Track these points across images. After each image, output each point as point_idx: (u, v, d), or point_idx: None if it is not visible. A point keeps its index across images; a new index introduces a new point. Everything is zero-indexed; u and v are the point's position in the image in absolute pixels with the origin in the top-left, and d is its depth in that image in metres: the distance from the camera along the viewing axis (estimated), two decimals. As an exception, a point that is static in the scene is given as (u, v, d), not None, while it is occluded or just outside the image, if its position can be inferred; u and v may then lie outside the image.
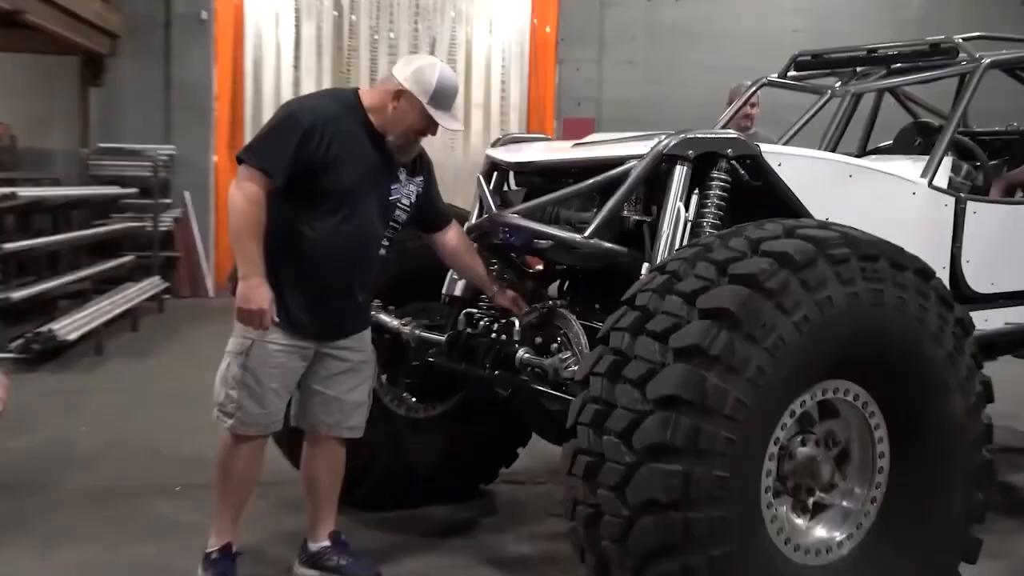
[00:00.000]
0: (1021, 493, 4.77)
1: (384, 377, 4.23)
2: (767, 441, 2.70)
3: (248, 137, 11.18)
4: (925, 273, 2.91)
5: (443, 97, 3.30)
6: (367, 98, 3.38)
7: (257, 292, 3.15)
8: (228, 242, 11.24)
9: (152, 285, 9.34)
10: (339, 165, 3.23)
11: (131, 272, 9.63)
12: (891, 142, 5.35)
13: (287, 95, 11.28)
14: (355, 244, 3.33)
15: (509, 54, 11.60)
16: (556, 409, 3.42)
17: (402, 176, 3.46)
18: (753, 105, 5.79)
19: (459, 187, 10.94)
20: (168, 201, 10.53)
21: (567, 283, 4.05)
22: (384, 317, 4.06)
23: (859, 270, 2.74)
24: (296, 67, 11.34)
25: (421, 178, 3.54)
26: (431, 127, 3.35)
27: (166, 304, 9.76)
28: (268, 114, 11.06)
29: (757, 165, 3.41)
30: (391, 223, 3.46)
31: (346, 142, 3.25)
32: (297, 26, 11.34)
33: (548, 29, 11.50)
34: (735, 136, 3.44)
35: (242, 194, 3.16)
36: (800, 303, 2.63)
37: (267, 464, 4.56)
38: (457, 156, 11.47)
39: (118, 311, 8.00)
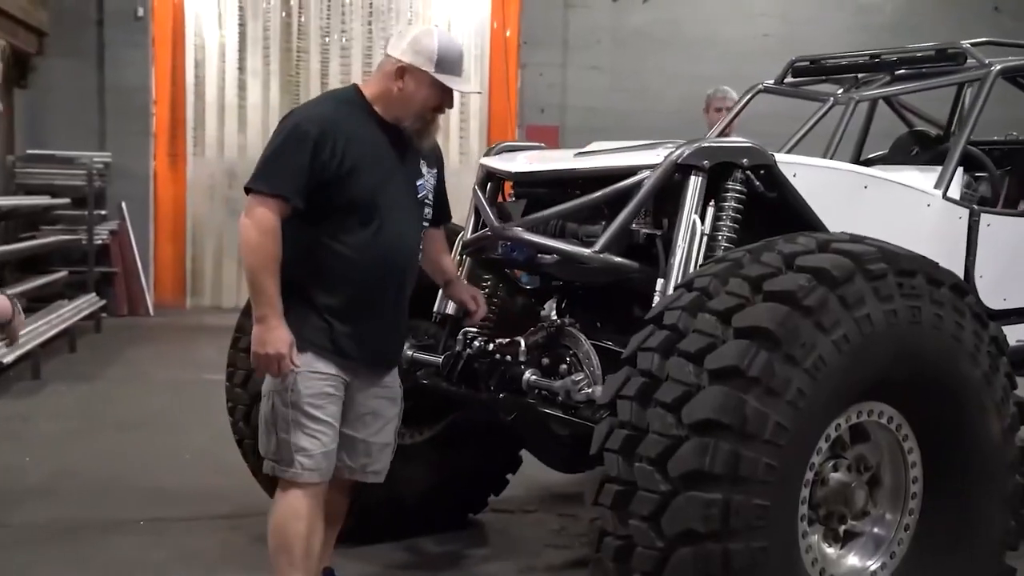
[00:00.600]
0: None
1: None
2: (804, 467, 2.71)
3: (189, 143, 11.11)
4: (960, 289, 2.95)
5: (450, 61, 3.15)
6: (368, 89, 3.23)
7: (274, 335, 2.99)
8: (168, 256, 11.18)
9: (88, 303, 9.09)
10: (358, 172, 3.09)
11: (64, 289, 9.39)
12: (886, 152, 5.43)
13: (231, 99, 11.16)
14: (395, 254, 3.19)
15: (468, 58, 11.54)
16: (565, 434, 3.41)
17: (423, 168, 3.34)
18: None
19: (417, 197, 11.00)
20: (103, 212, 10.28)
21: (567, 300, 4.02)
22: (371, 337, 4.03)
23: (896, 286, 2.76)
24: (241, 69, 11.19)
25: (436, 169, 3.43)
26: (446, 98, 3.21)
27: (103, 323, 9.54)
28: (211, 119, 11.19)
29: (772, 175, 3.43)
30: (424, 222, 3.35)
31: (360, 144, 3.11)
32: (242, 25, 11.20)
33: (509, 32, 11.52)
34: (751, 145, 3.44)
35: (255, 225, 3.00)
36: (839, 321, 2.64)
37: (239, 495, 4.52)
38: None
39: (54, 331, 7.78)
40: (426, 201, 3.34)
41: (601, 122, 10.95)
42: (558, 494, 4.83)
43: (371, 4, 11.44)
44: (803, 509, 2.74)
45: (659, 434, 2.55)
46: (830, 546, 2.92)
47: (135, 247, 10.53)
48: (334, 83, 11.26)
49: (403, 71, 3.13)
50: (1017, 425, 3.03)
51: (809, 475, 2.75)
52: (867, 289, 2.71)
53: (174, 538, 4.31)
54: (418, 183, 3.30)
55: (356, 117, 3.16)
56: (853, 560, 2.96)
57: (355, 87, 3.29)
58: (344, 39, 11.38)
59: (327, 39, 11.34)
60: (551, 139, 10.89)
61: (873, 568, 2.95)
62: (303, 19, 11.33)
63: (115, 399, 6.88)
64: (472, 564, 4.13)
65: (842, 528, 2.94)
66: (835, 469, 2.88)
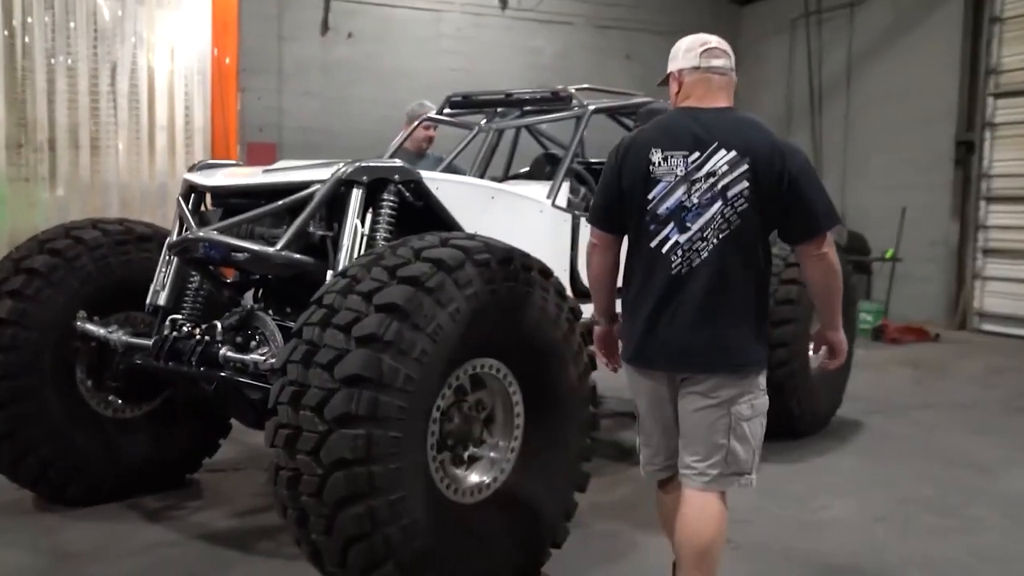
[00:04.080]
0: (625, 446, 5.63)
1: (90, 383, 4.28)
2: (431, 408, 3.12)
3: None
4: (545, 272, 3.48)
5: None
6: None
7: None
8: None
9: None
10: None
11: None
12: (528, 169, 6.10)
13: (-45, 115, 10.34)
14: None
15: (191, 81, 11.35)
16: (257, 397, 3.67)
17: None
18: (434, 128, 6.20)
19: (145, 207, 10.73)
20: None
21: (260, 290, 4.31)
22: (90, 326, 4.13)
23: (497, 271, 3.24)
24: (-38, 88, 10.40)
25: None
26: None
27: None
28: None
29: (419, 189, 3.90)
30: None
31: None
32: (-38, 44, 10.41)
33: (228, 60, 11.43)
34: (401, 165, 3.89)
35: (836, 260, 2.93)
36: (453, 298, 3.08)
37: None
38: (143, 177, 11.09)
39: None
40: None
41: (313, 140, 11.18)
42: (263, 453, 5.04)
43: (96, 27, 10.96)
44: (432, 440, 3.14)
45: (318, 388, 2.89)
46: (457, 467, 3.36)
47: None
48: (61, 101, 10.70)
49: None
50: (589, 371, 3.60)
51: (436, 414, 3.15)
52: (475, 273, 3.15)
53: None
54: None
55: None
56: (475, 477, 3.39)
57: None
58: (70, 60, 10.85)
59: (53, 61, 10.76)
60: (269, 155, 10.95)
61: (488, 481, 3.40)
62: (27, 39, 10.67)
63: None
64: (188, 514, 4.26)
65: (466, 454, 3.39)
66: (459, 410, 3.33)
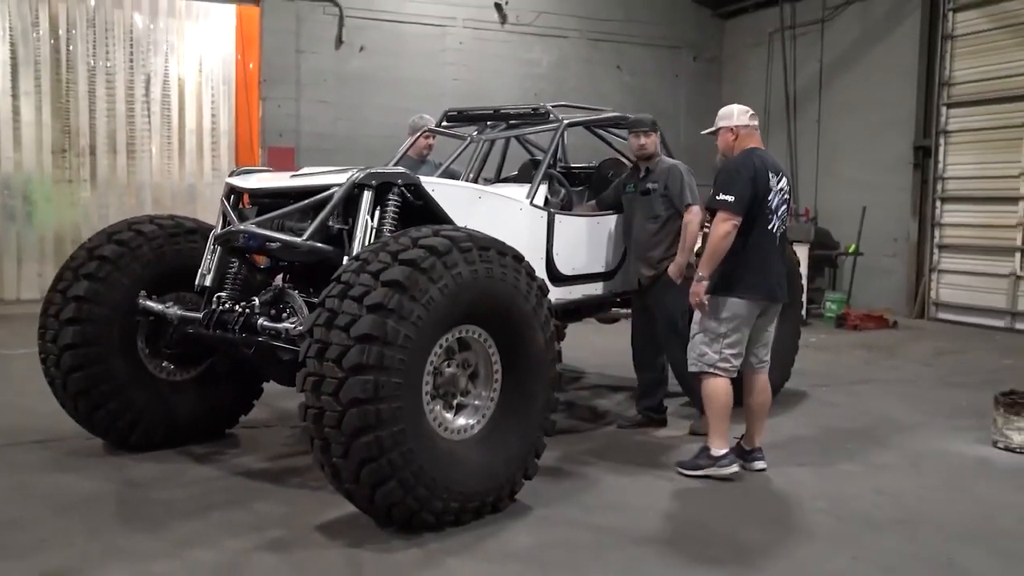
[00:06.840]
0: (599, 410, 6.39)
1: (148, 351, 5.03)
2: (425, 363, 3.84)
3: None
4: (518, 258, 4.17)
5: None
6: None
7: None
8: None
9: None
10: None
11: None
12: (516, 172, 6.83)
13: (5, 122, 11.07)
14: None
15: (218, 89, 12.12)
16: (288, 359, 4.37)
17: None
18: (433, 137, 6.81)
19: (176, 206, 11.49)
20: None
21: (288, 274, 5.05)
22: (150, 303, 4.89)
23: (478, 256, 3.95)
24: (15, 95, 11.17)
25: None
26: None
27: None
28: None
29: (418, 191, 4.64)
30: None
31: None
32: (13, 55, 11.15)
33: (251, 66, 12.14)
34: (404, 171, 4.63)
35: None
36: (442, 276, 3.80)
37: (45, 428, 5.20)
38: (174, 178, 11.87)
39: None
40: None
41: (328, 145, 11.90)
42: (289, 414, 5.82)
43: (132, 38, 11.66)
44: (427, 388, 3.86)
45: (338, 344, 3.62)
46: (447, 412, 4.07)
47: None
48: (101, 107, 11.48)
49: None
50: (555, 338, 4.29)
51: (430, 368, 3.87)
52: (459, 257, 3.87)
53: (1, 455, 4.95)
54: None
55: None
56: (461, 420, 4.11)
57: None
58: (108, 67, 11.58)
59: (93, 68, 11.50)
60: (288, 158, 11.69)
61: (472, 424, 4.12)
62: (71, 49, 11.39)
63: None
64: (229, 459, 4.99)
65: (455, 402, 4.10)
66: (448, 366, 4.04)
